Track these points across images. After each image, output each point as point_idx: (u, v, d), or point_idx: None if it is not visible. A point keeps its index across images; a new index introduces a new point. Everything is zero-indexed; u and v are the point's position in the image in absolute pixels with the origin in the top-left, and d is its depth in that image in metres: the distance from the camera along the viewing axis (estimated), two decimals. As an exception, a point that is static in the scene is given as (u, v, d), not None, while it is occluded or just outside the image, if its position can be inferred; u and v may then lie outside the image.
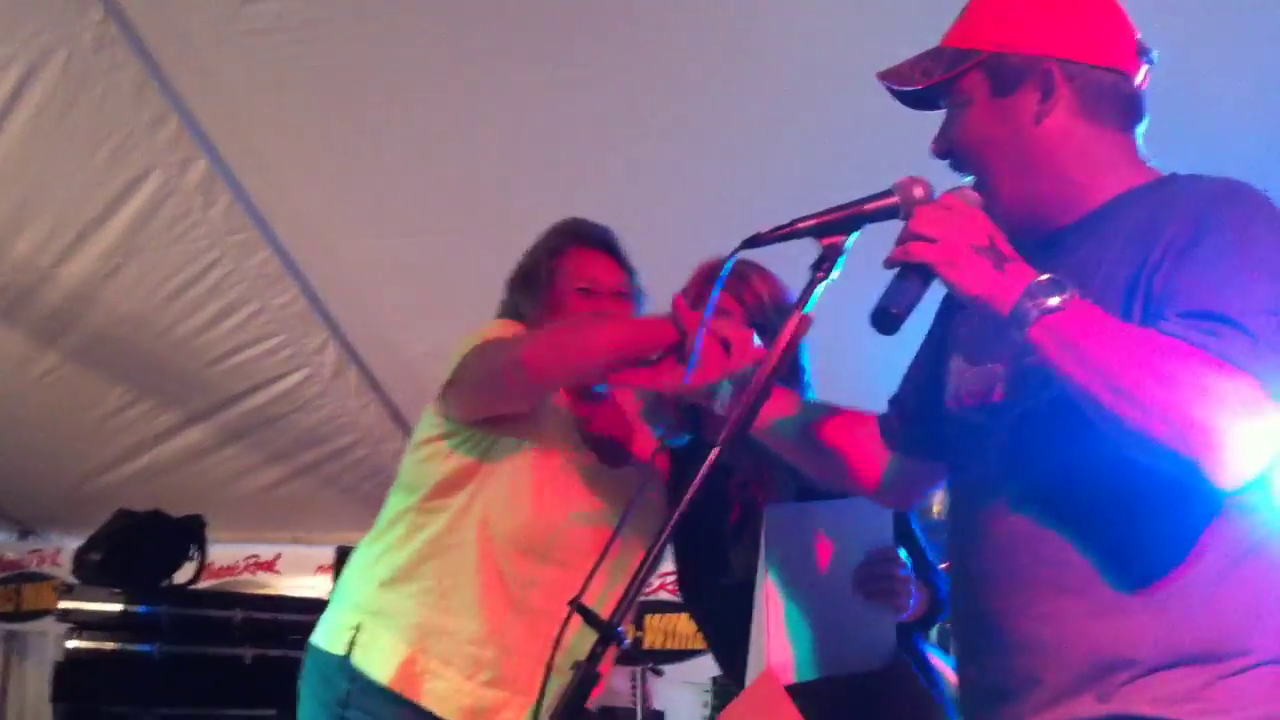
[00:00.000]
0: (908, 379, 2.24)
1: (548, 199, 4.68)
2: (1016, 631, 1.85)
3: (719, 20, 3.99)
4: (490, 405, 2.64)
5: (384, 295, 5.46)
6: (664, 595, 6.53)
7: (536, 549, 2.65)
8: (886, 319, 1.76)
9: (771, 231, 1.92)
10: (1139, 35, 1.92)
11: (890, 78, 1.96)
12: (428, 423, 2.76)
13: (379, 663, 2.62)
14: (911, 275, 1.77)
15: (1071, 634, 1.79)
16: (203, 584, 6.61)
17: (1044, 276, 1.68)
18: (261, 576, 7.38)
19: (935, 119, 2.02)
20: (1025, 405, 1.83)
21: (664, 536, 1.83)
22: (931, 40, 2.00)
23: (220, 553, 7.06)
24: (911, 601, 2.54)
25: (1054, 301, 1.66)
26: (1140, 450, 1.63)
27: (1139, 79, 1.91)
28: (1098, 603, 1.77)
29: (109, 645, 5.76)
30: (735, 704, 2.53)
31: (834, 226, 1.90)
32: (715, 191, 4.48)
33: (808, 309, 1.89)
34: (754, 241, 1.91)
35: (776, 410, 2.20)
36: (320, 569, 6.95)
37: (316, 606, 6.00)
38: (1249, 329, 1.61)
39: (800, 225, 1.91)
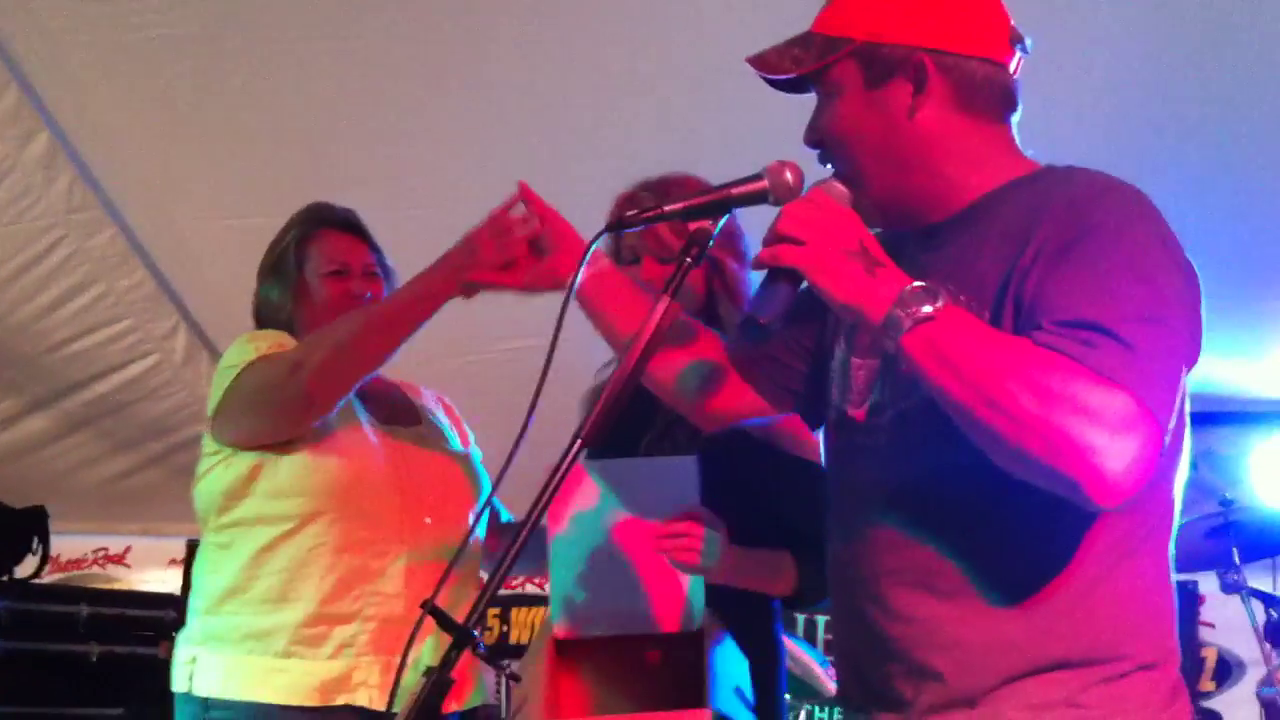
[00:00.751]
0: (792, 334, 2.12)
1: (402, 179, 4.63)
2: (889, 636, 1.82)
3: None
4: (275, 436, 2.68)
5: (237, 278, 5.25)
6: (530, 589, 6.48)
7: (341, 509, 2.68)
8: (755, 328, 1.72)
9: (638, 214, 1.88)
10: (1012, 22, 1.87)
11: (759, 64, 1.89)
12: (203, 455, 2.79)
13: (220, 681, 2.65)
14: (780, 280, 1.73)
15: (944, 639, 1.76)
16: (51, 577, 6.44)
17: (916, 284, 1.65)
18: (111, 569, 7.23)
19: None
20: (901, 407, 1.78)
21: (523, 534, 1.74)
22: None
23: (68, 545, 6.88)
24: (711, 562, 2.44)
25: (926, 310, 1.62)
26: (1015, 465, 1.61)
27: (1013, 67, 1.87)
28: (969, 609, 1.75)
29: (-55, 641, 5.53)
30: (525, 657, 2.60)
31: (701, 210, 1.87)
32: (568, 176, 4.40)
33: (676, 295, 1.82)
34: (619, 225, 1.85)
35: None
36: (172, 562, 6.82)
37: (167, 601, 5.96)
38: (1125, 339, 1.58)
39: (668, 209, 1.88)
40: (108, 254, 5.15)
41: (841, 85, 1.85)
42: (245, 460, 2.69)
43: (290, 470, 2.67)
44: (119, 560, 7.22)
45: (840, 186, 1.82)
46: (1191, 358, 1.67)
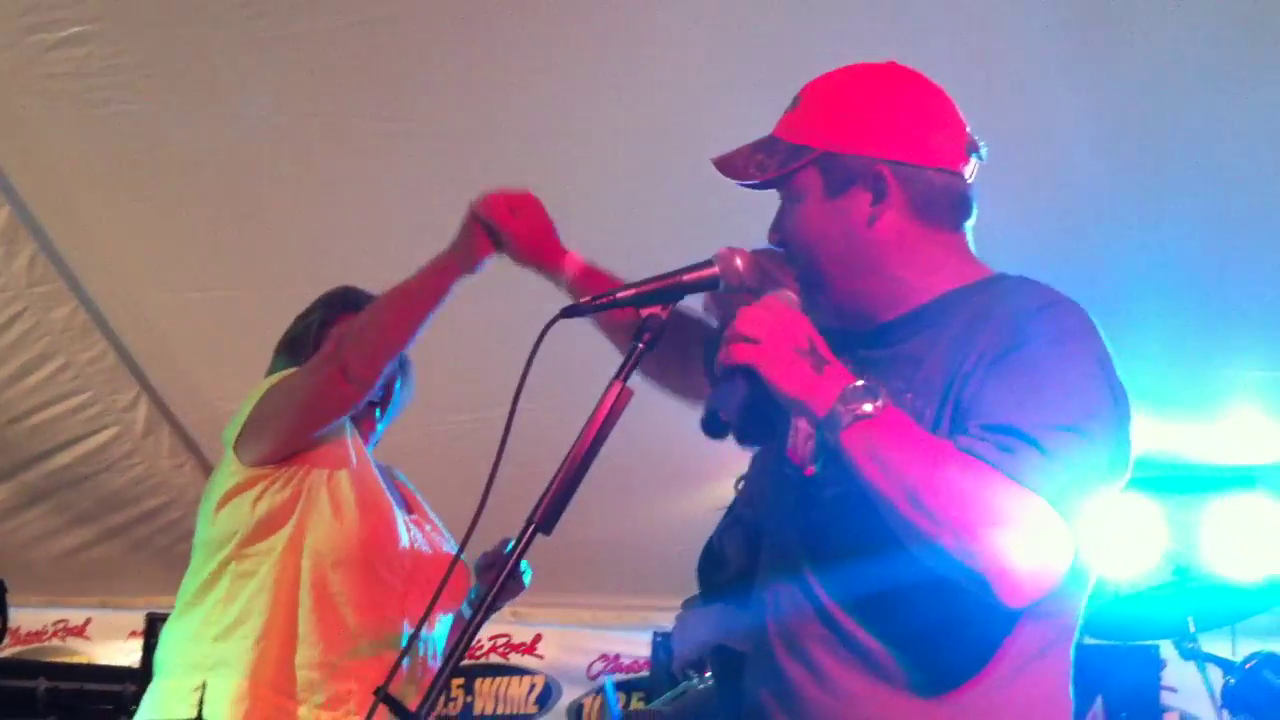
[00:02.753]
0: None
1: (366, 254, 4.63)
2: (808, 698, 1.85)
3: (530, 73, 4.00)
4: (315, 425, 2.68)
5: (198, 351, 5.32)
6: (494, 659, 6.45)
7: (364, 566, 2.69)
8: (716, 424, 1.75)
9: (590, 300, 1.89)
10: (968, 129, 1.92)
11: (725, 168, 1.94)
12: (225, 478, 2.73)
13: (231, 709, 2.60)
14: (736, 377, 1.76)
15: (867, 717, 1.80)
16: (10, 650, 6.41)
17: (859, 383, 1.71)
18: (71, 642, 7.14)
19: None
20: (843, 488, 1.80)
21: (486, 604, 1.75)
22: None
23: (27, 617, 6.85)
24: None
25: (867, 408, 1.68)
26: (932, 561, 1.66)
27: (969, 174, 1.92)
28: (897, 693, 1.79)
29: (-101, 719, 5.47)
30: None
31: (653, 297, 1.87)
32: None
33: (629, 380, 1.83)
34: (573, 311, 1.87)
35: None
36: (132, 634, 6.71)
37: (127, 675, 5.90)
38: (1042, 445, 1.63)
39: (620, 295, 1.88)
40: (69, 326, 5.17)
41: (803, 191, 1.90)
42: (283, 490, 2.67)
43: (323, 510, 2.68)
44: (79, 633, 7.14)
45: (792, 295, 1.86)
46: (1112, 475, 1.72)
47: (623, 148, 4.10)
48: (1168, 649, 5.00)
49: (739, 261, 1.89)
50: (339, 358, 2.59)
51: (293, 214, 4.66)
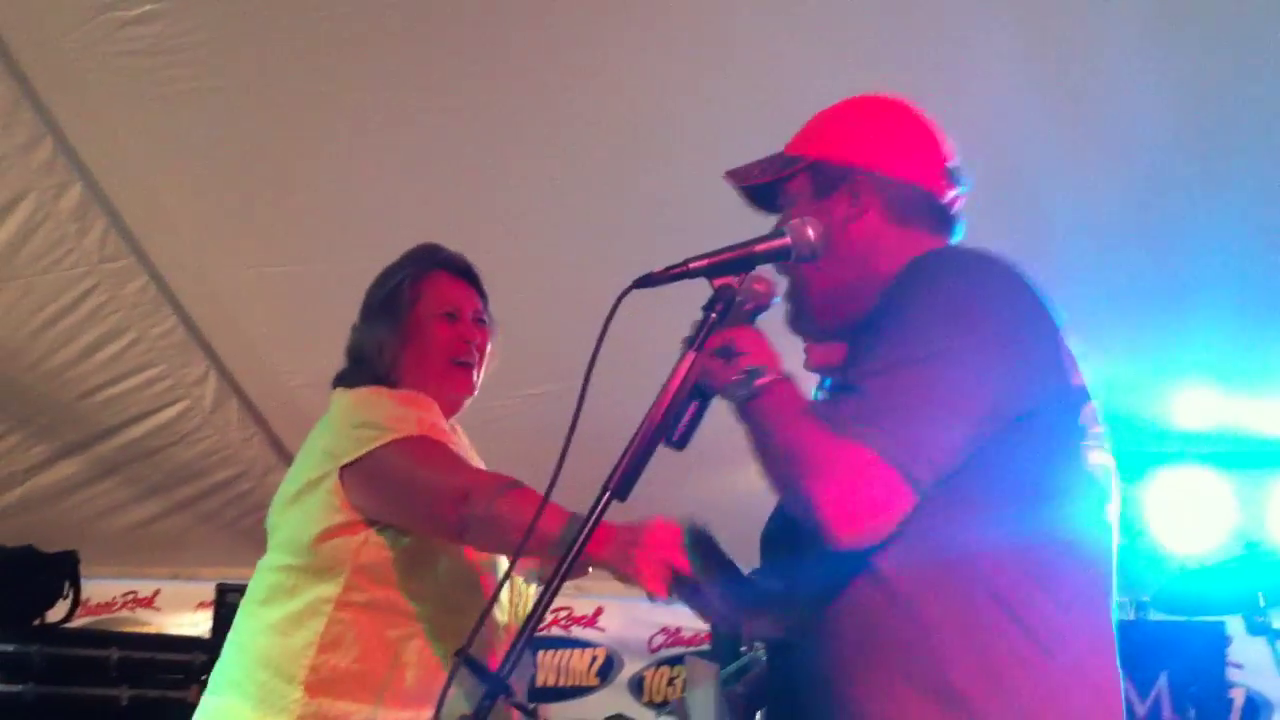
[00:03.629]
0: None
1: (429, 228, 4.64)
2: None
3: (603, 53, 4.00)
4: (411, 529, 2.57)
5: (265, 325, 5.36)
6: (556, 631, 6.49)
7: (452, 634, 2.56)
8: (671, 443, 1.88)
9: (664, 271, 1.92)
10: (952, 162, 2.11)
11: (735, 175, 2.15)
12: (330, 497, 2.57)
13: None
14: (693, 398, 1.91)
15: None
16: (80, 621, 6.44)
17: (753, 365, 1.87)
18: (141, 613, 7.24)
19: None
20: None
21: (555, 581, 1.77)
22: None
23: (97, 589, 6.92)
24: None
25: (755, 385, 1.85)
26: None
27: (948, 198, 2.09)
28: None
29: (-21, 686, 5.57)
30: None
31: (726, 267, 1.93)
32: (603, 224, 4.44)
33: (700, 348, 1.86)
34: (646, 281, 1.90)
35: None
36: (201, 605, 6.81)
37: (196, 645, 6.00)
38: (861, 391, 1.78)
39: (693, 265, 1.92)
40: (139, 302, 5.22)
41: (796, 195, 2.09)
42: (395, 544, 2.57)
43: (434, 575, 2.59)
44: (148, 604, 7.24)
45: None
46: (983, 399, 1.78)
47: (677, 132, 4.10)
48: (1234, 625, 4.98)
49: (810, 231, 1.95)
50: (464, 520, 2.38)
51: (358, 189, 4.67)
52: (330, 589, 2.56)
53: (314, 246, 4.92)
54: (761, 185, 2.12)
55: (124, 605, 7.22)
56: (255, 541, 6.50)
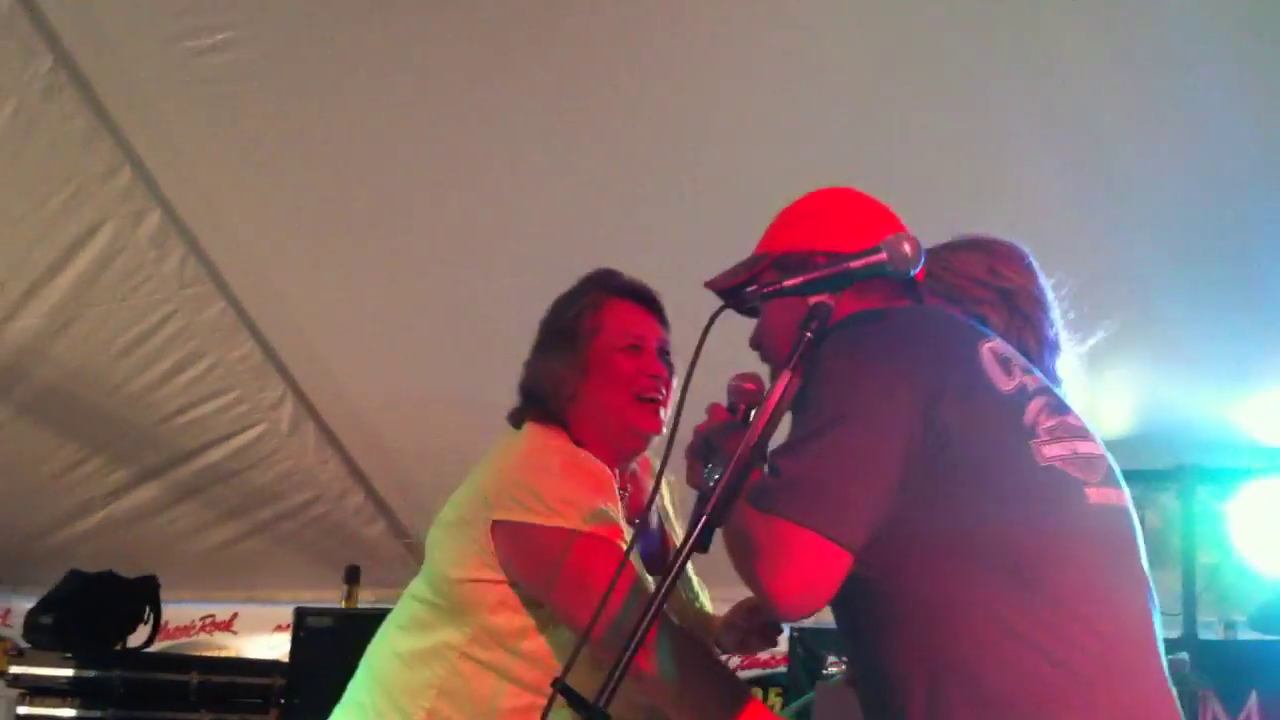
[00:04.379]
0: None
1: (506, 250, 4.66)
2: None
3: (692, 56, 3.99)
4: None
5: (340, 348, 5.38)
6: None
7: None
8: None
9: (757, 289, 1.90)
10: (900, 233, 2.08)
11: (712, 283, 2.20)
12: (478, 545, 2.45)
13: None
14: None
15: None
16: (158, 645, 6.51)
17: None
18: (219, 636, 7.25)
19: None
20: None
21: (652, 612, 1.74)
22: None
23: (175, 612, 6.93)
24: None
25: (710, 483, 1.91)
26: None
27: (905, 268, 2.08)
28: None
29: (61, 711, 5.67)
30: None
31: (821, 284, 1.91)
32: (695, 238, 4.40)
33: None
34: (739, 301, 1.85)
35: None
36: (278, 628, 6.80)
37: (274, 668, 6.01)
38: (775, 469, 1.80)
39: (787, 284, 1.91)
40: (217, 326, 5.27)
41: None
42: (529, 606, 2.44)
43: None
44: (226, 627, 7.24)
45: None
46: (887, 448, 1.78)
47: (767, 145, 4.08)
48: (1327, 644, 4.87)
49: (907, 247, 1.89)
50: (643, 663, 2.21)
51: (431, 212, 4.69)
52: (458, 636, 2.47)
53: (389, 270, 4.93)
54: (736, 288, 2.15)
55: (202, 629, 7.23)
56: (331, 564, 6.60)
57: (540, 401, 2.60)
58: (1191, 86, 3.70)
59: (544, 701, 2.17)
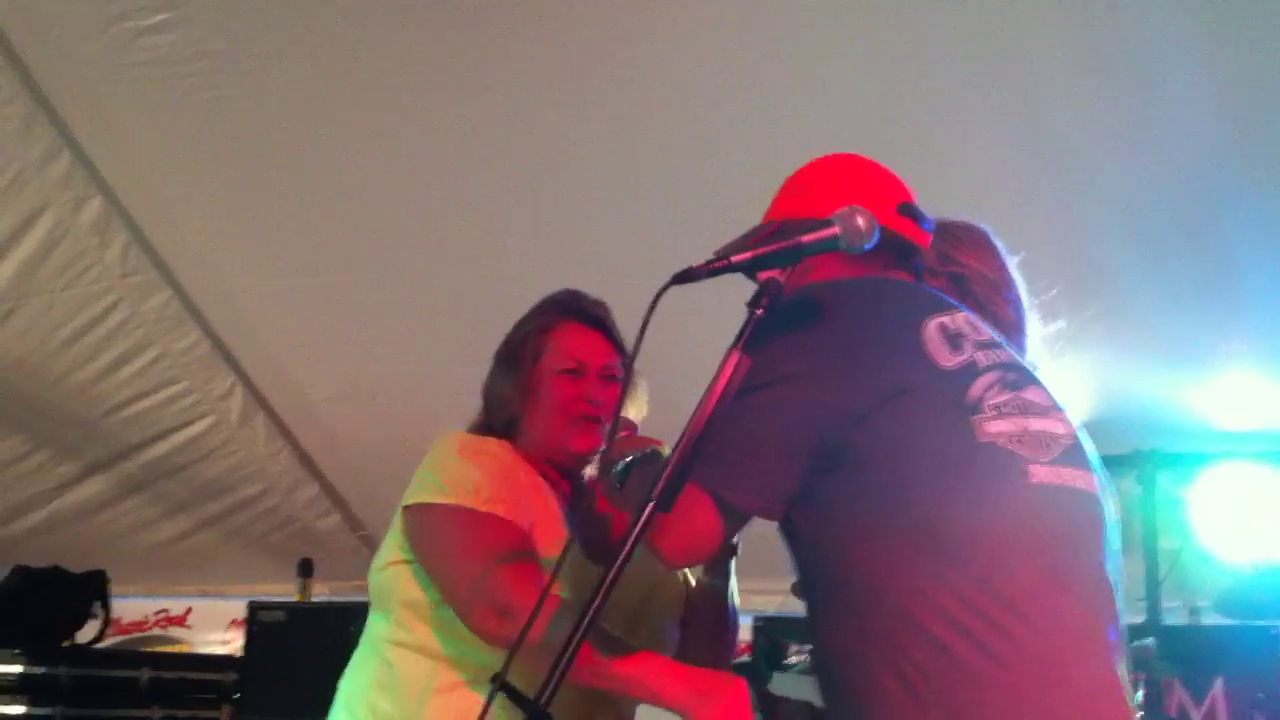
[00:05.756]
0: None
1: (457, 240, 4.60)
2: None
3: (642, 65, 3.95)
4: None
5: (290, 338, 5.30)
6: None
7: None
8: None
9: (705, 265, 1.84)
10: (905, 200, 2.17)
11: (720, 254, 2.10)
12: (395, 534, 2.51)
13: None
14: None
15: None
16: (112, 640, 6.47)
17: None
18: (173, 631, 7.20)
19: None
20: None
21: (595, 603, 1.68)
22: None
23: (128, 607, 6.88)
24: None
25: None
26: None
27: (906, 233, 2.14)
28: None
29: (10, 709, 5.60)
30: None
31: (771, 259, 1.85)
32: (631, 236, 4.36)
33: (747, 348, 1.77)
34: (686, 276, 1.81)
35: None
36: (233, 623, 6.74)
37: (227, 664, 5.93)
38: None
39: (736, 259, 1.84)
40: (163, 316, 5.16)
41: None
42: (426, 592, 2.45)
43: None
44: (179, 622, 7.18)
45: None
46: (802, 417, 1.82)
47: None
48: (1287, 628, 4.88)
49: (860, 220, 1.84)
50: (506, 638, 2.16)
51: (382, 200, 4.61)
52: (384, 626, 2.50)
53: (338, 258, 4.86)
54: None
55: (156, 624, 7.18)
56: (285, 557, 6.53)
57: (489, 416, 2.67)
58: (1153, 77, 3.69)
59: (476, 675, 2.33)
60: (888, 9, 3.70)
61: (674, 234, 3.92)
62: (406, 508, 2.48)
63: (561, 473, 2.61)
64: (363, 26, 4.00)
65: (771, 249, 1.84)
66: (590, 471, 2.61)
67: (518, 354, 2.64)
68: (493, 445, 2.57)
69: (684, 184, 4.19)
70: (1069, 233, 4.13)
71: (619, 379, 2.64)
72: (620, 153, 4.23)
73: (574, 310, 2.67)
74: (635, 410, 2.71)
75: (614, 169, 4.28)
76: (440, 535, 2.43)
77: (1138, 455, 4.82)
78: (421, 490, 2.47)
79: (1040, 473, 1.82)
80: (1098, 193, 4.04)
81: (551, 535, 2.47)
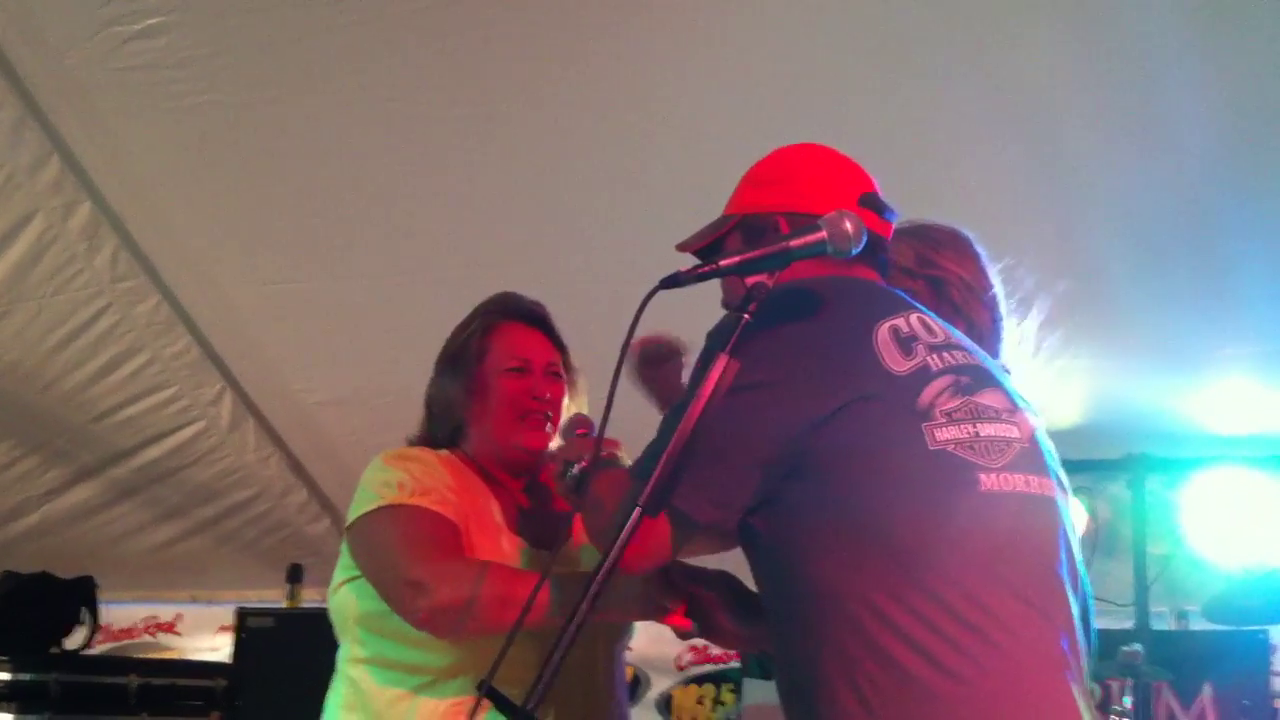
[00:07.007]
0: None
1: (447, 244, 4.59)
2: None
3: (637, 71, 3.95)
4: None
5: (280, 342, 5.29)
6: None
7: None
8: None
9: (692, 270, 1.85)
10: (868, 191, 2.15)
11: (683, 246, 2.23)
12: (344, 556, 2.54)
13: None
14: None
15: None
16: (101, 646, 6.45)
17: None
18: (163, 638, 7.21)
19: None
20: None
21: (581, 610, 1.67)
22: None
23: (118, 613, 6.89)
24: None
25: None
26: None
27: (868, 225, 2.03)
28: None
29: (-4, 716, 5.54)
30: None
31: (759, 264, 1.85)
32: (635, 239, 4.34)
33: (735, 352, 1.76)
34: (673, 281, 1.80)
35: None
36: (222, 629, 6.75)
37: (216, 670, 5.91)
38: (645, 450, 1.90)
39: (724, 263, 1.85)
40: (153, 321, 5.15)
41: (731, 251, 2.02)
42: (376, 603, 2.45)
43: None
44: (169, 628, 7.19)
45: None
46: (759, 429, 1.82)
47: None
48: (1277, 634, 4.88)
49: (848, 225, 1.84)
50: (419, 606, 2.29)
51: (372, 205, 4.60)
52: (345, 648, 2.52)
53: (327, 263, 4.85)
54: (705, 249, 2.18)
55: (146, 630, 7.19)
56: (275, 562, 6.51)
57: (434, 421, 2.70)
58: (1149, 81, 3.68)
59: (438, 683, 2.35)
60: (888, 11, 3.69)
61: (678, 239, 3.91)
62: (347, 529, 2.51)
63: (513, 473, 2.63)
64: (354, 30, 3.98)
65: (759, 254, 1.85)
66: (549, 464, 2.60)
67: (461, 357, 2.67)
68: (418, 452, 2.60)
69: (690, 191, 4.17)
70: (1062, 237, 4.14)
71: (562, 376, 2.69)
72: (620, 157, 4.22)
73: (514, 311, 2.72)
74: (577, 407, 2.71)
75: (612, 173, 4.27)
76: (370, 539, 2.46)
77: (1129, 459, 4.82)
78: (356, 508, 2.49)
79: (989, 480, 1.82)
80: (1092, 198, 4.04)
81: (488, 535, 2.50)
